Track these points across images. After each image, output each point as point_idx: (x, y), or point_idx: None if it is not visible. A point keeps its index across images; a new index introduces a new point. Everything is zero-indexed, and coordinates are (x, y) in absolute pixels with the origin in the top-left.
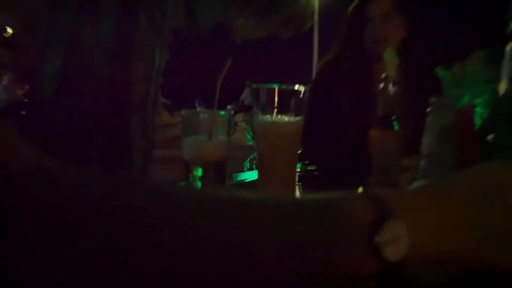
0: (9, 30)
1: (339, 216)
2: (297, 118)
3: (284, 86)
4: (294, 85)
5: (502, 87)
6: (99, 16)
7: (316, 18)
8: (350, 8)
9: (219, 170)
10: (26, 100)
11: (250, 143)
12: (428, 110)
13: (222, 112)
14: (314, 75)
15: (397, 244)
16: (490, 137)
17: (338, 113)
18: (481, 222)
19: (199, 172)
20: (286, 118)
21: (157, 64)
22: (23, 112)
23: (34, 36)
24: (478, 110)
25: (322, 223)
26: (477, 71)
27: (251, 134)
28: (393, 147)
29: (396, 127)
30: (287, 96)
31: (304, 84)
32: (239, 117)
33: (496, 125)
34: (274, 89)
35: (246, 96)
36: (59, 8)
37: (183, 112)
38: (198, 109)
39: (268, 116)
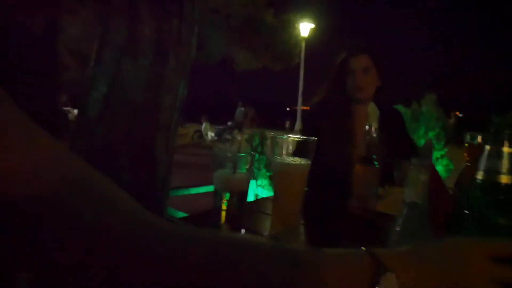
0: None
1: (345, 268)
2: (307, 161)
3: (297, 137)
4: (308, 137)
5: (479, 176)
6: (137, 55)
7: (302, 55)
8: (337, 61)
9: (242, 196)
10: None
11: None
12: (410, 167)
13: (244, 154)
14: (299, 103)
15: None
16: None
17: (324, 147)
18: (449, 285)
19: (227, 196)
20: (298, 161)
21: (181, 94)
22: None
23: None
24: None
25: (333, 272)
26: (430, 110)
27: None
28: (373, 180)
29: (376, 165)
30: (299, 143)
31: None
32: (236, 133)
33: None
34: (288, 139)
35: (238, 114)
36: (106, 46)
37: (215, 150)
38: (204, 123)
39: (284, 159)
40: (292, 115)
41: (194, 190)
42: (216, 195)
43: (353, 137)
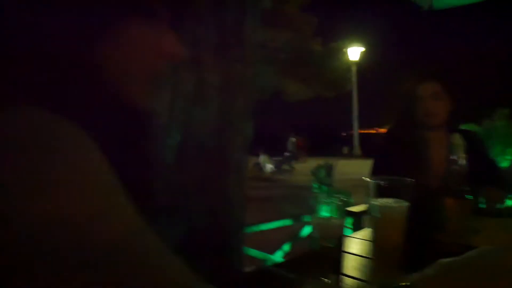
0: None
1: None
2: (405, 203)
3: (394, 180)
4: (403, 180)
5: None
6: (207, 102)
7: (354, 79)
8: (405, 87)
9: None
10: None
11: (315, 185)
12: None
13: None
14: (355, 128)
15: None
16: None
17: (400, 174)
18: None
19: (332, 242)
20: (397, 204)
21: (247, 134)
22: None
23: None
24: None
25: None
26: (504, 125)
27: (315, 185)
28: (466, 213)
29: (470, 197)
30: (397, 187)
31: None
32: (294, 163)
33: None
34: (384, 183)
35: (289, 145)
36: (177, 95)
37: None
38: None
39: (383, 202)
40: (349, 140)
41: (268, 226)
42: (312, 240)
43: (429, 165)
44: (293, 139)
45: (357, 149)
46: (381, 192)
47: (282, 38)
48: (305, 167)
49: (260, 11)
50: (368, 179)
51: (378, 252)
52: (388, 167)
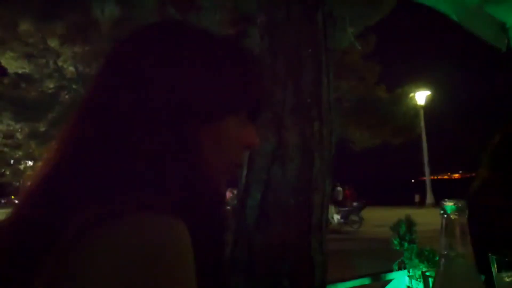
0: None
1: None
2: None
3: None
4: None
5: None
6: (285, 160)
7: (422, 124)
8: (497, 138)
9: None
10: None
11: (395, 242)
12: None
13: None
14: (427, 174)
15: None
16: None
17: (502, 236)
18: None
19: None
20: None
21: (327, 192)
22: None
23: None
24: None
25: None
26: None
27: (396, 241)
28: None
29: None
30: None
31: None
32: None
33: None
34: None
35: (336, 194)
36: (257, 154)
37: None
38: None
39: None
40: (419, 187)
41: (348, 284)
42: None
43: None
44: (339, 189)
45: (430, 197)
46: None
47: (345, 86)
48: (374, 217)
49: (333, 69)
50: (494, 256)
51: None
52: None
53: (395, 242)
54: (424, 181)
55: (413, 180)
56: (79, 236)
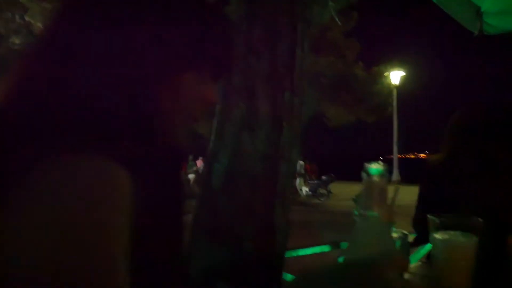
0: None
1: None
2: (474, 238)
3: (460, 218)
4: (470, 218)
5: None
6: (255, 128)
7: (395, 104)
8: (458, 115)
9: None
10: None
11: (356, 213)
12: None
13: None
14: (394, 152)
15: None
16: None
17: (455, 204)
18: None
19: None
20: (464, 238)
21: (293, 161)
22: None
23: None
24: None
25: None
26: None
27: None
28: None
29: None
30: (463, 225)
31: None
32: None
33: None
34: (448, 219)
35: (298, 168)
36: (227, 122)
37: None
38: None
39: (448, 236)
40: (388, 165)
41: (306, 252)
42: None
43: (499, 185)
44: (301, 163)
45: (396, 174)
46: (442, 228)
47: (324, 62)
48: (343, 191)
49: (309, 40)
50: (431, 217)
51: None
52: (443, 199)
53: (356, 213)
54: (392, 159)
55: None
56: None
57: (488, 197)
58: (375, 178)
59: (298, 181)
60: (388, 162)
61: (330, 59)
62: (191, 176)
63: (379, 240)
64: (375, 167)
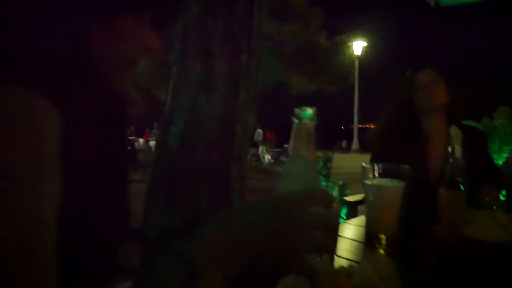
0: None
1: None
2: (401, 183)
3: (390, 165)
4: (399, 165)
5: None
6: (211, 90)
7: (356, 74)
8: (404, 77)
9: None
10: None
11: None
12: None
13: (332, 183)
14: (355, 122)
15: None
16: None
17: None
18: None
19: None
20: (391, 183)
21: (250, 124)
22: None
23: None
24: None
25: None
26: (504, 124)
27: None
28: (459, 204)
29: (462, 188)
30: (393, 172)
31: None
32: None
33: None
34: (379, 166)
35: (256, 136)
36: (182, 83)
37: None
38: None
39: (378, 181)
40: (348, 135)
41: None
42: None
43: (429, 157)
44: (260, 131)
45: (356, 143)
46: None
47: (288, 30)
48: None
49: (268, 2)
50: (365, 164)
51: (371, 234)
52: (387, 158)
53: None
54: (352, 129)
55: (343, 127)
56: None
57: (420, 160)
58: (305, 121)
59: (260, 149)
60: (349, 132)
61: (294, 28)
62: (152, 143)
63: (305, 178)
64: (305, 111)
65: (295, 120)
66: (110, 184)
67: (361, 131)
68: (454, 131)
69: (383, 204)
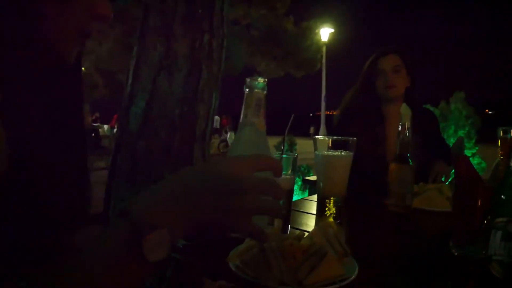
0: (82, 69)
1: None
2: (349, 153)
3: (337, 137)
4: (347, 138)
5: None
6: (172, 70)
7: (323, 61)
8: (367, 62)
9: (288, 196)
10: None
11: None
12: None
13: (285, 155)
14: (322, 109)
15: None
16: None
17: (358, 150)
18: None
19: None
20: (339, 153)
21: (213, 105)
22: (94, 135)
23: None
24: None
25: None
26: (459, 108)
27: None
28: (408, 177)
29: (410, 162)
30: (343, 144)
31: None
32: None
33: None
34: (329, 139)
35: (214, 123)
36: (143, 63)
37: None
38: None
39: (329, 152)
40: (316, 121)
41: None
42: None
43: (387, 140)
44: (217, 117)
45: (323, 130)
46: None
47: (255, 15)
48: (270, 143)
49: None
50: (317, 137)
51: (322, 202)
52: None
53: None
54: (319, 116)
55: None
56: None
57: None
58: (256, 91)
59: (229, 135)
60: (317, 118)
61: (262, 12)
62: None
63: (254, 145)
64: (256, 81)
65: (246, 90)
66: (62, 170)
67: (329, 117)
68: (404, 109)
69: (331, 172)
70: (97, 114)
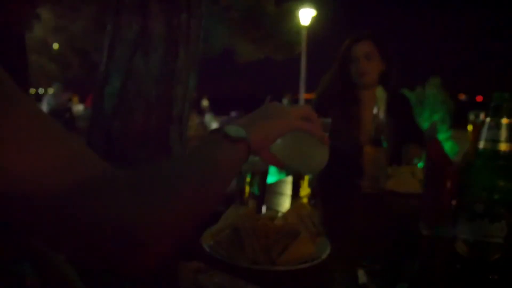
0: (55, 47)
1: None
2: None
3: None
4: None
5: (481, 145)
6: (148, 49)
7: (304, 44)
8: (341, 49)
9: (263, 177)
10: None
11: None
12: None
13: None
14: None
15: None
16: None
17: (334, 134)
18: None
19: (249, 177)
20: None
21: (191, 85)
22: (67, 115)
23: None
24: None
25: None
26: (434, 93)
27: None
28: (382, 160)
29: (384, 144)
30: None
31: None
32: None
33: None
34: None
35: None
36: (118, 42)
37: None
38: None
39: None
40: (295, 104)
41: None
42: (240, 177)
43: (362, 123)
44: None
45: None
46: None
47: None
48: None
49: None
50: None
51: (297, 184)
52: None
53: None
54: (298, 99)
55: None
56: None
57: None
58: None
59: (207, 117)
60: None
61: None
62: None
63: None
64: None
65: None
66: None
67: (307, 101)
68: (379, 92)
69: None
70: (70, 94)
